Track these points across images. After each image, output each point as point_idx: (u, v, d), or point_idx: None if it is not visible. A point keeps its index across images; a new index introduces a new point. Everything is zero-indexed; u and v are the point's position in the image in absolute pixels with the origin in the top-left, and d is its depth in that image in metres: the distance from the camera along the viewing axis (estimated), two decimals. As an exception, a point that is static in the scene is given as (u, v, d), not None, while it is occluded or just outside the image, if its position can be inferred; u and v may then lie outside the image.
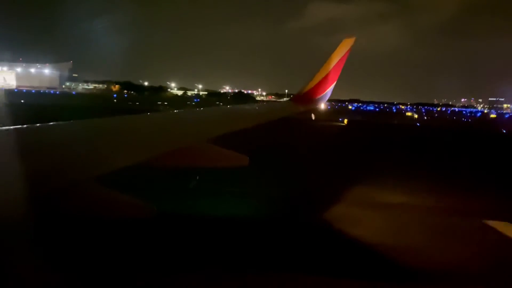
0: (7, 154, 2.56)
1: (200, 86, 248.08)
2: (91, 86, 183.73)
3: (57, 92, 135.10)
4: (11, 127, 3.24)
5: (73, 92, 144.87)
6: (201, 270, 6.94)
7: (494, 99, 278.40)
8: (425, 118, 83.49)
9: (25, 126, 3.39)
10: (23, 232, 2.08)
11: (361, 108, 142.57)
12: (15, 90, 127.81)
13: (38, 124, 3.52)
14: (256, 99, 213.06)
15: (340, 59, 10.44)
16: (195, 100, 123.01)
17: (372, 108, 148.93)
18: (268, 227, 9.40)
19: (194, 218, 9.67)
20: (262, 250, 8.03)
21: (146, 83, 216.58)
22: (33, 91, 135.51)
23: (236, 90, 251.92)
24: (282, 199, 12.27)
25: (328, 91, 10.90)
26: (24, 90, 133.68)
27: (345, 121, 47.66)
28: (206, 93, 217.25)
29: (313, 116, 11.55)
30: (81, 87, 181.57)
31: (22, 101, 59.31)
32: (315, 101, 10.88)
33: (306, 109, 10.70)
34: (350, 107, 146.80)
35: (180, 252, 7.66)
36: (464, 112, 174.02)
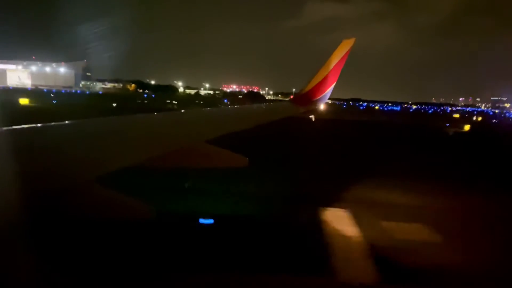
0: (7, 154, 2.54)
1: (207, 85, 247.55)
2: (108, 85, 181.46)
3: (87, 92, 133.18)
4: (10, 127, 3.22)
5: (100, 92, 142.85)
6: (199, 271, 7.07)
7: (496, 98, 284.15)
8: (495, 120, 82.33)
9: (23, 126, 3.35)
10: (23, 233, 2.10)
11: (387, 108, 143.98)
12: (45, 90, 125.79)
13: (34, 125, 3.49)
14: (266, 98, 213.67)
15: (339, 60, 10.61)
16: (225, 100, 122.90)
17: (398, 108, 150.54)
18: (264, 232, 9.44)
19: (193, 219, 9.87)
20: (260, 251, 8.19)
21: (153, 82, 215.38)
22: (62, 91, 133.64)
23: (239, 89, 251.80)
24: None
25: (328, 92, 11.02)
26: (54, 90, 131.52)
27: (466, 127, 47.88)
28: (218, 92, 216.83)
29: (313, 118, 11.69)
30: (99, 86, 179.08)
31: (110, 103, 58.96)
32: (315, 102, 10.97)
33: (306, 109, 10.72)
34: (376, 107, 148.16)
35: (179, 252, 7.78)
36: (490, 112, 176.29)
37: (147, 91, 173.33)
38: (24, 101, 49.79)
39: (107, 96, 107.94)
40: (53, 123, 3.68)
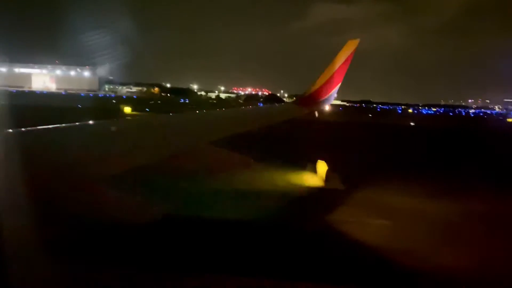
0: (20, 155, 2.56)
1: (222, 88, 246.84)
2: (134, 89, 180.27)
3: (124, 97, 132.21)
4: (20, 129, 3.27)
5: (134, 96, 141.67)
6: (204, 273, 6.91)
7: (510, 100, 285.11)
8: None
9: (33, 128, 3.44)
10: (30, 232, 2.10)
11: (424, 111, 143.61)
12: (82, 94, 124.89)
13: (43, 127, 3.59)
14: (284, 100, 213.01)
15: (344, 61, 10.48)
16: (260, 104, 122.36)
17: (432, 112, 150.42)
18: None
19: (199, 221, 9.60)
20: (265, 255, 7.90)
21: (168, 85, 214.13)
22: (100, 95, 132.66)
23: (245, 91, 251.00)
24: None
25: (333, 93, 10.92)
26: (102, 95, 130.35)
27: None
28: (241, 95, 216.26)
29: (316, 114, 11.42)
30: (125, 90, 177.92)
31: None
32: (320, 103, 10.89)
33: (311, 111, 10.75)
34: (410, 110, 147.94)
35: (184, 254, 7.57)
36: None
37: (169, 95, 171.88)
38: (127, 110, 49.31)
39: (156, 102, 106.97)
40: (60, 125, 3.78)
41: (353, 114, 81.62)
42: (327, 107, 11.43)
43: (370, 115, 79.25)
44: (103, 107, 51.51)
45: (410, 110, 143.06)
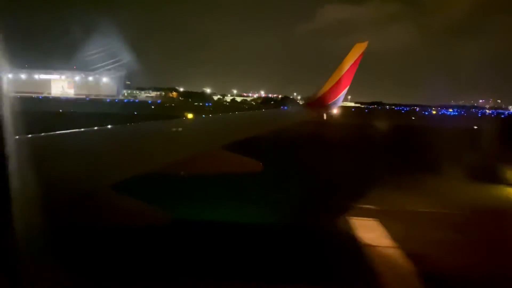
0: (26, 162, 2.52)
1: (235, 91, 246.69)
2: (152, 93, 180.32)
3: (158, 102, 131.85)
4: (28, 135, 3.22)
5: (158, 101, 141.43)
6: (213, 280, 6.81)
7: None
8: None
9: (40, 134, 3.41)
10: (40, 240, 2.08)
11: (446, 113, 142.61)
12: (108, 100, 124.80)
13: (50, 133, 3.57)
14: (299, 103, 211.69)
15: (352, 64, 10.50)
16: (284, 108, 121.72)
17: (455, 113, 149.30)
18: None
19: (209, 225, 9.45)
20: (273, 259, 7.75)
21: (181, 89, 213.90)
22: (125, 100, 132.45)
23: (261, 95, 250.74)
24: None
25: (341, 96, 11.04)
26: (127, 100, 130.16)
27: None
28: (255, 98, 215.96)
29: (325, 116, 11.45)
30: (144, 95, 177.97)
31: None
32: (328, 106, 11.04)
33: (320, 114, 10.90)
34: (434, 112, 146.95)
35: (194, 260, 7.45)
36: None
37: (185, 98, 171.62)
38: (190, 116, 48.77)
39: (183, 105, 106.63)
40: (67, 131, 3.78)
41: (391, 117, 79.83)
42: (335, 110, 11.65)
43: (413, 118, 78.07)
44: (158, 114, 50.84)
45: (435, 111, 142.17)
